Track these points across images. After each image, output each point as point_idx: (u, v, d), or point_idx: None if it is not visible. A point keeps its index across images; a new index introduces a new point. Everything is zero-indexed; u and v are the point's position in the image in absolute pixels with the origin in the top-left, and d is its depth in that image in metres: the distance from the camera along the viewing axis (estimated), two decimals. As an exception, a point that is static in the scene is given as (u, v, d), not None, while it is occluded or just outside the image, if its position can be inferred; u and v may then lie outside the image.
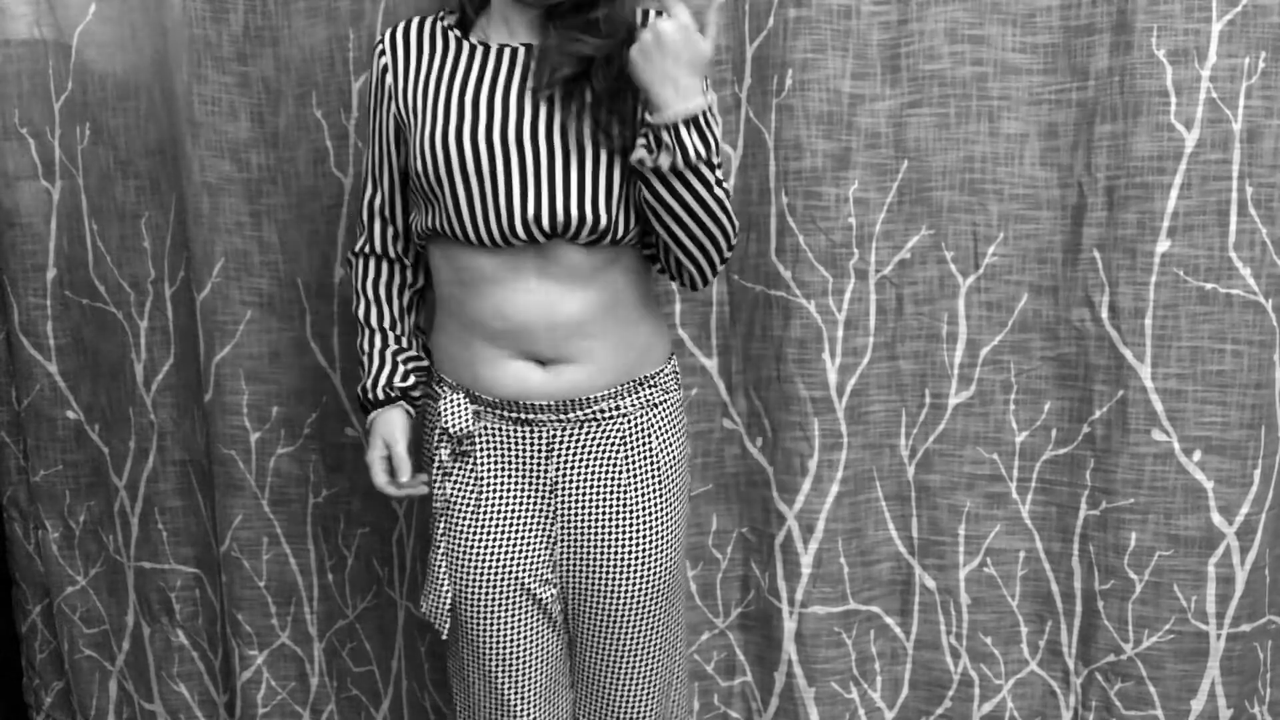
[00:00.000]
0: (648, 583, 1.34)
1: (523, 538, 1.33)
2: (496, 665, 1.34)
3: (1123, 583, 1.55)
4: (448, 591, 1.33)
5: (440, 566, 1.33)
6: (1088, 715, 1.62)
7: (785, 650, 1.66)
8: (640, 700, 1.39)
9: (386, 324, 1.40)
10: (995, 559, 1.64)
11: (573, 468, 1.32)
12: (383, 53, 1.32)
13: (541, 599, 1.33)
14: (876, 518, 1.66)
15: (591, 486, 1.32)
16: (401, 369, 1.37)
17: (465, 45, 1.29)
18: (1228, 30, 1.41)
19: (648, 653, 1.37)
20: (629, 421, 1.33)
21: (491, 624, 1.33)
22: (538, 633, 1.35)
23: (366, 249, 1.40)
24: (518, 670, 1.35)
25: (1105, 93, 1.47)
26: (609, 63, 1.22)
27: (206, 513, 1.88)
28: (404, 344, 1.40)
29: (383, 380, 1.36)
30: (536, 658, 1.36)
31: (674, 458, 1.37)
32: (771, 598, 1.66)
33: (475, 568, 1.32)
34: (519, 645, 1.34)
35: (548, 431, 1.31)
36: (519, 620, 1.34)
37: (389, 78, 1.31)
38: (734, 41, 1.55)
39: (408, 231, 1.38)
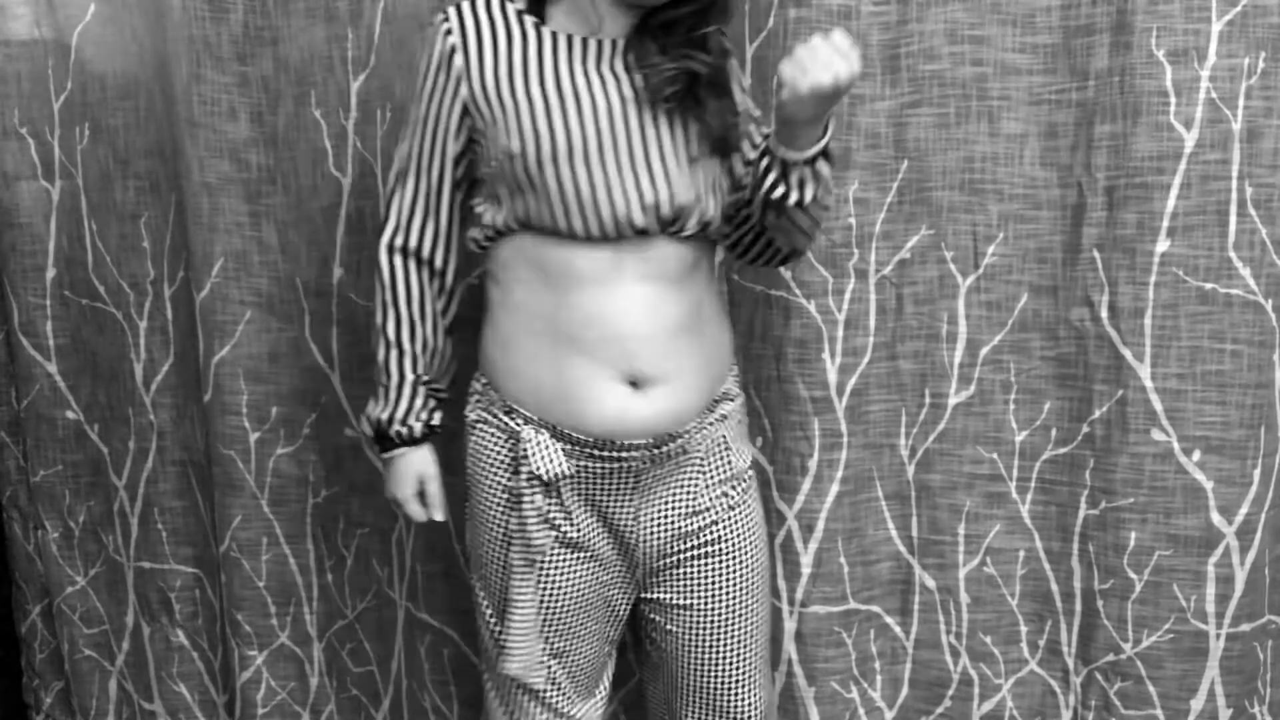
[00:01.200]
0: (746, 587, 1.33)
1: (608, 573, 1.30)
2: (555, 698, 1.33)
3: (1122, 582, 1.55)
4: (542, 649, 1.28)
5: (530, 620, 1.27)
6: (1087, 714, 1.62)
7: (785, 650, 1.66)
8: (751, 689, 1.36)
9: (418, 346, 1.31)
10: (995, 558, 1.64)
11: (659, 495, 1.29)
12: (450, 31, 1.23)
13: (612, 632, 1.34)
14: (876, 517, 1.66)
15: (677, 513, 1.29)
16: (432, 401, 1.31)
17: (546, 34, 1.23)
18: (1227, 30, 1.41)
19: (753, 641, 1.35)
20: (707, 439, 1.30)
21: (569, 667, 1.31)
22: (597, 661, 1.36)
23: (400, 243, 1.30)
24: (569, 697, 1.34)
25: (1105, 93, 1.47)
26: (717, 75, 1.22)
27: (206, 513, 1.88)
28: (432, 370, 1.33)
29: (414, 415, 1.30)
30: (589, 685, 1.37)
31: (748, 459, 1.36)
32: (772, 597, 1.66)
33: (564, 621, 1.28)
34: (581, 682, 1.34)
35: (635, 464, 1.25)
36: (589, 660, 1.34)
37: (458, 58, 1.23)
38: (734, 42, 1.55)
39: (450, 232, 1.30)
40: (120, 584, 1.95)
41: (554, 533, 1.26)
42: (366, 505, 1.79)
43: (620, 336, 1.20)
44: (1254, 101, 1.43)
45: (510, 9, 1.25)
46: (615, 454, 1.23)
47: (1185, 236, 1.47)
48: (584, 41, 1.23)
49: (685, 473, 1.29)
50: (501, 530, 1.28)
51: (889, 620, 1.68)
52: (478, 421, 1.30)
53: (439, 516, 1.31)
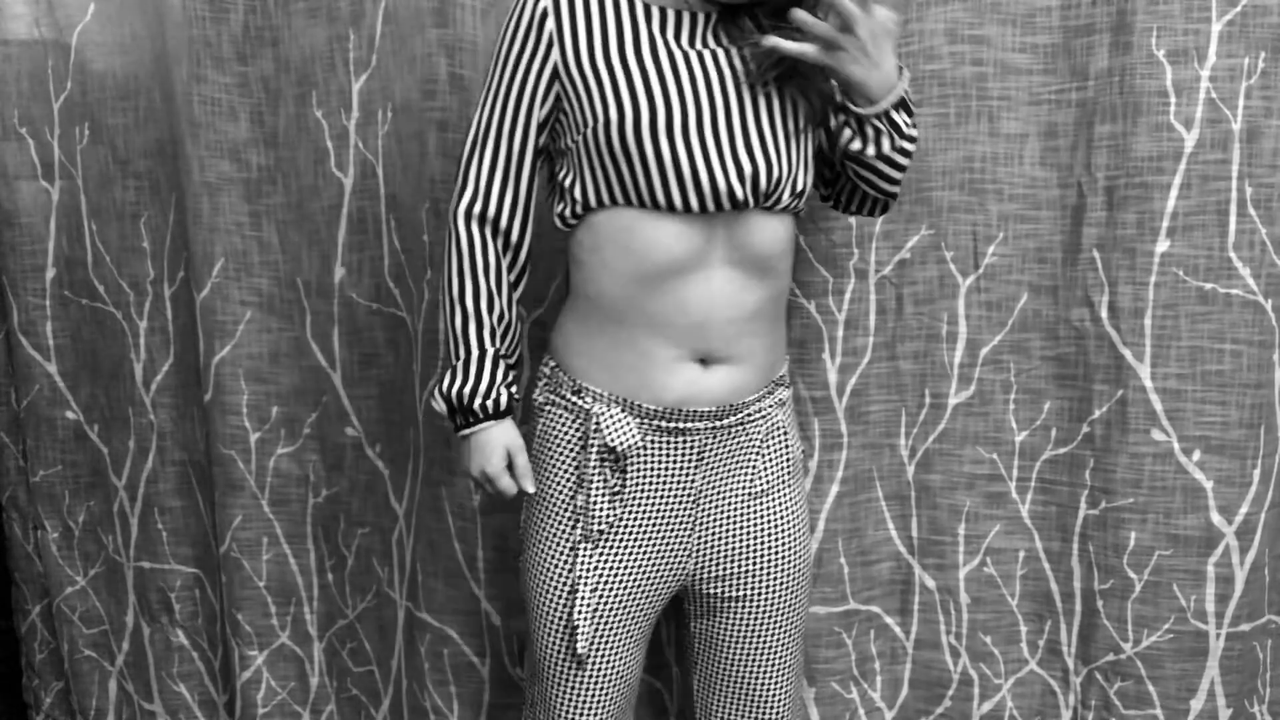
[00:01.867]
0: (795, 580, 1.35)
1: (663, 558, 1.30)
2: (600, 683, 1.32)
3: (1122, 582, 1.55)
4: (591, 623, 1.28)
5: (589, 593, 1.27)
6: (1087, 714, 1.62)
7: (785, 650, 1.66)
8: (784, 687, 1.38)
9: (495, 318, 1.28)
10: (995, 558, 1.64)
11: (719, 475, 1.31)
12: None
13: (656, 616, 1.34)
14: (876, 518, 1.66)
15: (735, 495, 1.31)
16: (510, 375, 1.30)
17: (639, 5, 1.23)
18: (1227, 30, 1.42)
19: (793, 640, 1.38)
20: (767, 421, 1.32)
21: (616, 652, 1.31)
22: (642, 647, 1.35)
23: (479, 211, 1.27)
24: (615, 681, 1.33)
25: (1105, 93, 1.47)
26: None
27: (206, 513, 1.87)
28: (509, 345, 1.30)
29: (496, 389, 1.26)
30: (633, 669, 1.35)
31: (799, 451, 1.39)
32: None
33: (615, 596, 1.28)
34: (627, 665, 1.33)
35: (699, 440, 1.28)
36: (636, 643, 1.33)
37: (550, 23, 1.22)
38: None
39: (528, 202, 1.28)
40: (120, 584, 1.95)
41: (618, 512, 1.27)
42: (366, 505, 1.79)
43: (701, 324, 1.23)
44: (1254, 101, 1.43)
45: None
46: (682, 423, 1.26)
47: (1185, 236, 1.47)
48: (677, 14, 1.24)
49: (745, 454, 1.31)
50: (569, 510, 1.28)
51: (889, 620, 1.68)
52: (545, 404, 1.31)
53: (530, 488, 1.29)
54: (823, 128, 1.32)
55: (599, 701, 1.32)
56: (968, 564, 1.64)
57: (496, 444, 1.27)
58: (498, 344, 1.28)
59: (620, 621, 1.30)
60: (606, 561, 1.28)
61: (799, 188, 1.25)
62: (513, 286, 1.31)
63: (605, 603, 1.28)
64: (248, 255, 1.73)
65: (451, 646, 1.70)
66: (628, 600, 1.30)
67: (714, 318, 1.23)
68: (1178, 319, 1.48)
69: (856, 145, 1.25)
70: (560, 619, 1.29)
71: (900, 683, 1.70)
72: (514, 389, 1.29)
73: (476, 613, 1.66)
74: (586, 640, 1.28)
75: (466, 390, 1.26)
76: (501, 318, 1.28)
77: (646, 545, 1.29)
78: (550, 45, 1.22)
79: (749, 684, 1.37)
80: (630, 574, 1.29)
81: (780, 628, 1.36)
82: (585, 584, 1.27)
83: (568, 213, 1.26)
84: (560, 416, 1.29)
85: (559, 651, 1.30)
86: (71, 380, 1.90)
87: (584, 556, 1.27)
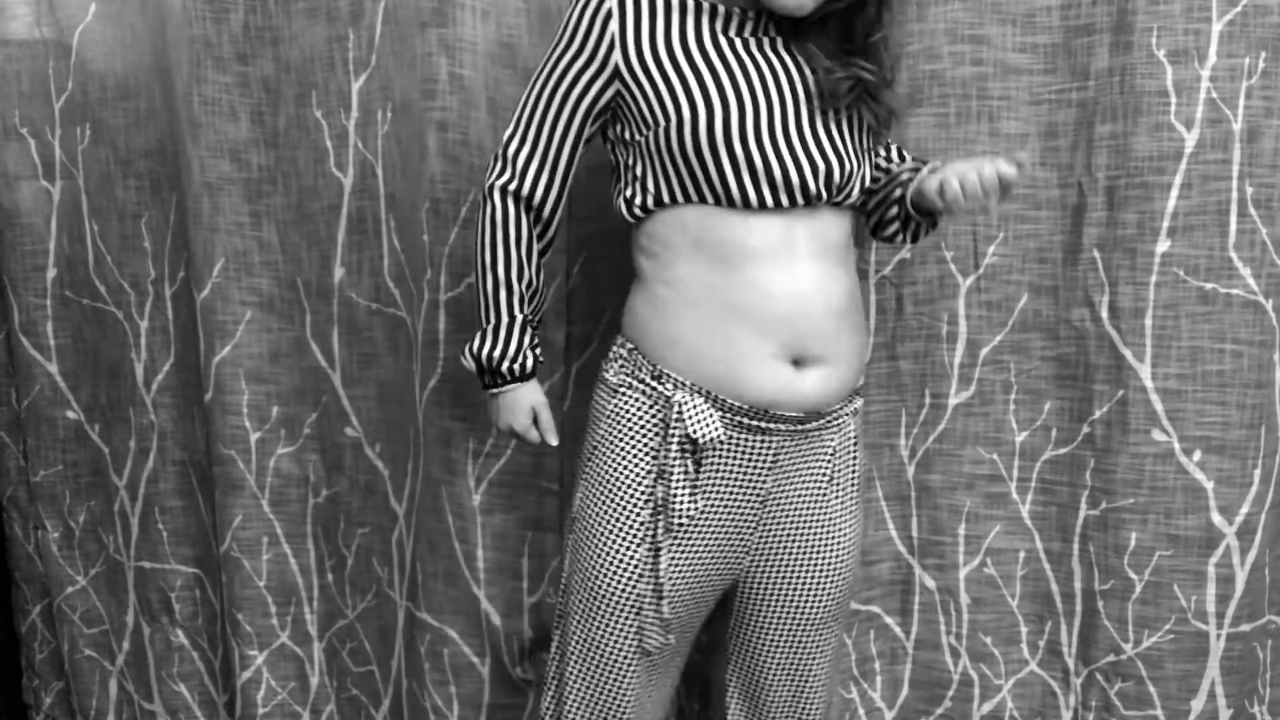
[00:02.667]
0: (844, 584, 1.36)
1: (725, 554, 1.31)
2: (664, 672, 1.33)
3: (1123, 583, 1.55)
4: (667, 614, 1.28)
5: (680, 582, 1.28)
6: (1087, 715, 1.62)
7: (785, 650, 1.66)
8: (822, 683, 1.40)
9: (524, 285, 1.31)
10: (995, 559, 1.64)
11: (789, 480, 1.30)
12: None
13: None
14: (876, 518, 1.66)
15: (803, 500, 1.31)
16: (535, 338, 1.34)
17: (705, 6, 1.24)
18: (1228, 30, 1.41)
19: (834, 636, 1.39)
20: (840, 431, 1.32)
21: (677, 645, 1.33)
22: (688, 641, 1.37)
23: (514, 189, 1.29)
24: (673, 672, 1.35)
25: (1105, 93, 1.47)
26: (881, 80, 1.26)
27: (206, 513, 1.88)
28: (535, 310, 1.34)
29: (523, 352, 1.31)
30: (685, 658, 1.38)
31: (862, 461, 1.39)
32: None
33: (683, 589, 1.29)
34: (683, 656, 1.35)
35: (778, 442, 1.27)
36: (693, 633, 1.35)
37: (614, 24, 1.22)
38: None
39: (564, 187, 1.31)
40: (120, 584, 1.95)
41: (693, 501, 1.26)
42: (366, 505, 1.79)
43: (792, 316, 1.22)
44: (1254, 101, 1.43)
45: None
46: (766, 424, 1.25)
47: (1185, 236, 1.46)
48: (742, 13, 1.24)
49: (818, 460, 1.31)
50: (648, 500, 1.26)
51: (889, 620, 1.68)
52: (621, 385, 1.29)
53: (553, 440, 1.35)
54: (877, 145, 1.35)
55: (660, 690, 1.34)
56: (968, 564, 1.64)
57: (523, 403, 1.34)
58: (525, 310, 1.32)
59: (685, 615, 1.31)
60: (679, 555, 1.28)
61: (867, 183, 1.29)
62: (541, 254, 1.34)
63: (674, 589, 1.28)
64: (248, 255, 1.73)
65: (451, 646, 1.69)
66: (690, 595, 1.30)
67: (810, 310, 1.22)
68: (1178, 319, 1.48)
69: (892, 229, 1.34)
70: (631, 610, 1.28)
71: (900, 683, 1.70)
72: (539, 350, 1.34)
73: (476, 613, 1.66)
74: (662, 636, 1.29)
75: (496, 353, 1.31)
76: (530, 285, 1.32)
77: (713, 541, 1.29)
78: (612, 46, 1.22)
79: (794, 683, 1.38)
80: (695, 569, 1.29)
81: (826, 633, 1.37)
82: (669, 579, 1.27)
83: (638, 203, 1.26)
84: (637, 401, 1.27)
85: (625, 642, 1.29)
86: (72, 380, 1.90)
87: (668, 550, 1.26)
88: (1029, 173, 1.26)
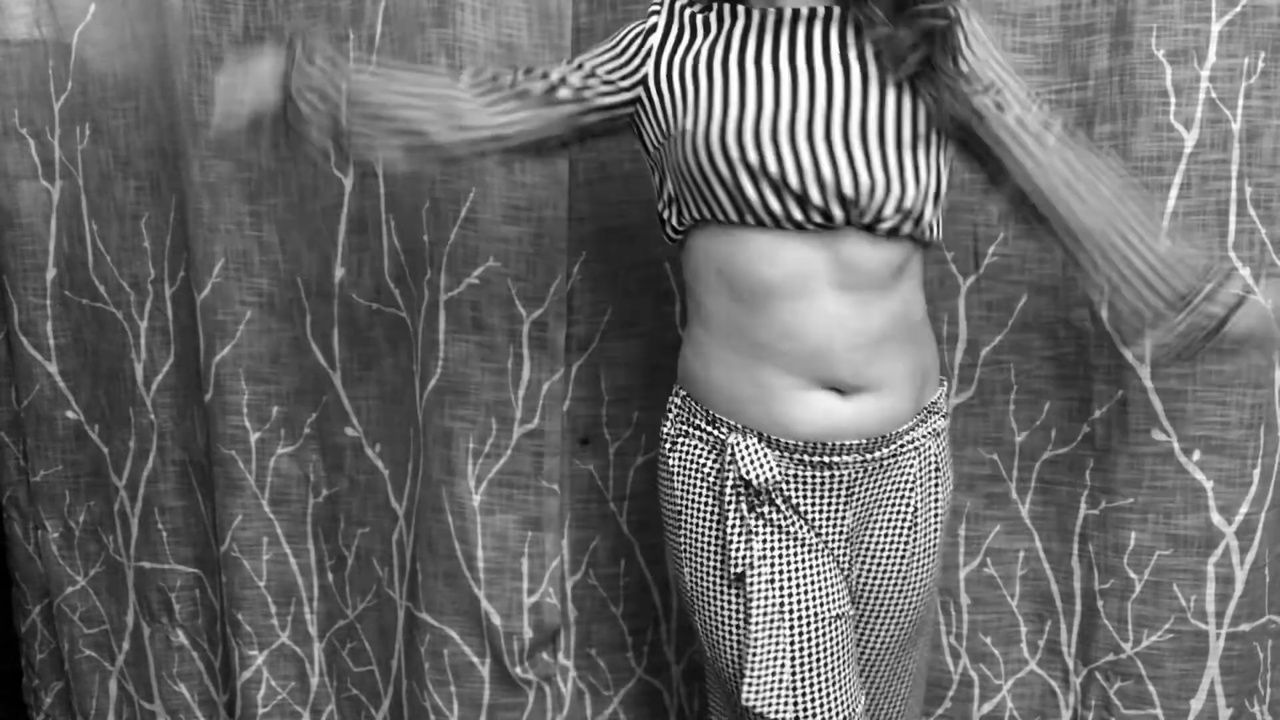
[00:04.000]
0: (927, 600, 1.31)
1: (833, 593, 1.19)
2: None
3: (1122, 582, 1.55)
4: (788, 669, 1.15)
5: (768, 642, 1.15)
6: (1087, 715, 1.62)
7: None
8: (912, 694, 1.37)
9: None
10: (995, 559, 1.64)
11: (870, 513, 1.23)
12: (656, 12, 1.21)
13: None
14: (876, 517, 1.66)
15: (885, 533, 1.24)
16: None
17: (755, 14, 1.17)
18: (1227, 30, 1.42)
19: (919, 648, 1.35)
20: (919, 455, 1.23)
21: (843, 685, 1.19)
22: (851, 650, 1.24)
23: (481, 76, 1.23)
24: (853, 695, 1.21)
25: (1105, 93, 1.47)
26: (950, 38, 1.11)
27: (206, 513, 1.88)
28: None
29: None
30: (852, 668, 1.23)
31: (952, 484, 1.32)
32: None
33: (809, 638, 1.16)
34: (850, 676, 1.21)
35: (848, 474, 1.18)
36: (848, 655, 1.21)
37: (654, 37, 1.19)
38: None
39: (556, 85, 1.21)
40: (120, 584, 1.95)
41: (775, 538, 1.17)
42: (366, 505, 1.79)
43: (816, 351, 1.14)
44: (1254, 101, 1.43)
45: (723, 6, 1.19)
46: (826, 458, 1.17)
47: (1185, 236, 1.46)
48: (794, 13, 1.15)
49: (898, 489, 1.23)
50: (719, 545, 1.19)
51: (889, 620, 1.68)
52: (679, 436, 1.23)
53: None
54: (952, 145, 1.19)
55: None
56: (968, 564, 1.64)
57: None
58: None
59: (815, 653, 1.17)
60: (780, 592, 1.17)
61: (907, 205, 1.12)
62: (492, 104, 1.22)
63: (799, 634, 1.17)
64: (248, 255, 1.73)
65: (451, 646, 1.70)
66: (819, 630, 1.18)
67: (835, 346, 1.13)
68: (1178, 319, 1.48)
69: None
70: (733, 672, 1.19)
71: (900, 683, 1.70)
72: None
73: (476, 613, 1.66)
74: (778, 707, 1.14)
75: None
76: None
77: (801, 589, 1.18)
78: (647, 56, 1.19)
79: (889, 699, 1.35)
80: (818, 594, 1.18)
81: (912, 647, 1.33)
82: (761, 643, 1.15)
83: (671, 221, 1.21)
84: (696, 447, 1.21)
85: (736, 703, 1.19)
86: (72, 380, 1.90)
87: (757, 611, 1.15)
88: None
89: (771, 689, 1.14)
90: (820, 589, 1.18)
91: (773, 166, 1.10)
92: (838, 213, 1.11)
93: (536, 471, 1.63)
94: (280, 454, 1.80)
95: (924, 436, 1.24)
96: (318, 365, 1.76)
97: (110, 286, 1.83)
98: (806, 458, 1.17)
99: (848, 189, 1.10)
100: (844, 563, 1.22)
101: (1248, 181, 1.45)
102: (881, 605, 1.28)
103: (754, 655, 1.15)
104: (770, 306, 1.13)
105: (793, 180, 1.10)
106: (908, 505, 1.24)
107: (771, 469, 1.15)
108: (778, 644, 1.15)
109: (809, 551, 1.18)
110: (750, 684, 1.14)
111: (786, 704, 1.14)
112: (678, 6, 1.21)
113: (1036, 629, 1.64)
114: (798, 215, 1.11)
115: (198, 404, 1.82)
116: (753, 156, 1.11)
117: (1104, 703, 1.60)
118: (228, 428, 1.77)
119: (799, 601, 1.17)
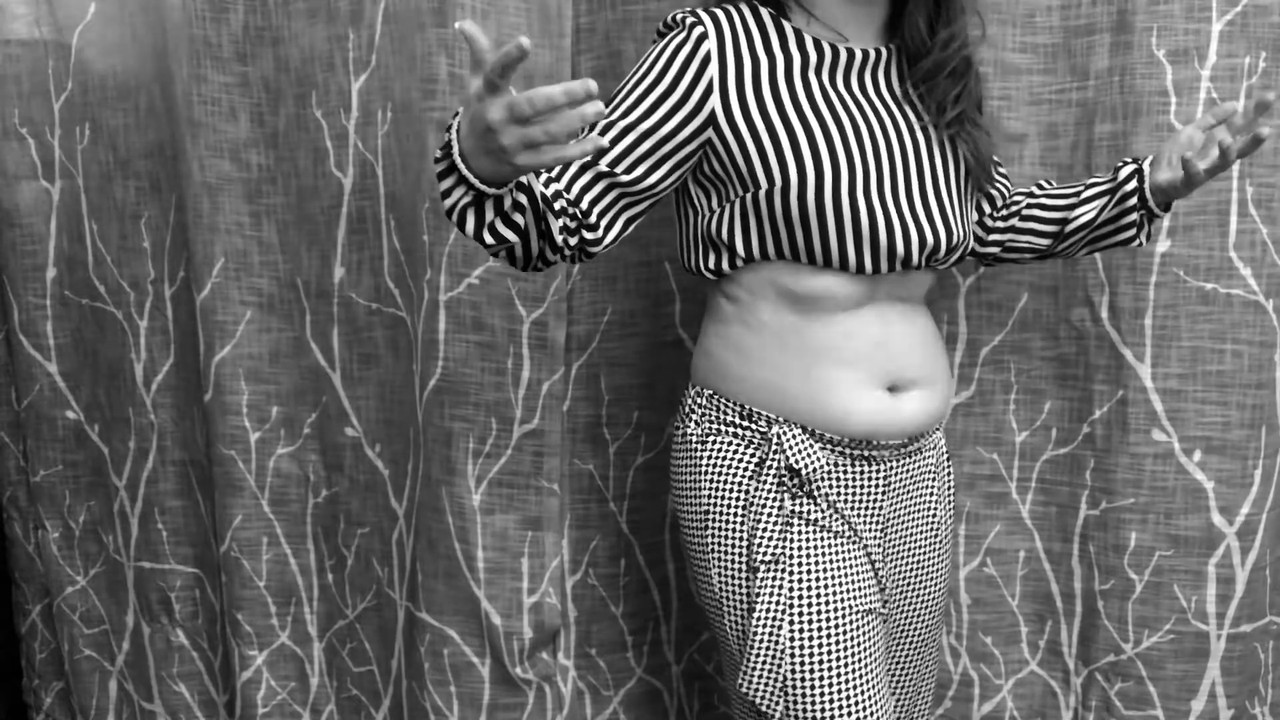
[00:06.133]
0: (943, 594, 1.36)
1: (865, 588, 1.19)
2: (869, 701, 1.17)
3: (1123, 583, 1.55)
4: (787, 666, 1.14)
5: (770, 633, 1.15)
6: (1088, 715, 1.62)
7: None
8: (930, 687, 1.40)
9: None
10: (995, 559, 1.64)
11: (903, 504, 1.27)
12: (704, 36, 1.11)
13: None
14: (876, 518, 1.66)
15: (914, 522, 1.29)
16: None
17: (809, 40, 1.15)
18: (1228, 30, 1.41)
19: (938, 642, 1.39)
20: (937, 449, 1.32)
21: (871, 678, 1.18)
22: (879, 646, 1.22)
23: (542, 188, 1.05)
24: (879, 691, 1.19)
25: (1105, 93, 1.47)
26: (968, 83, 1.21)
27: (206, 513, 1.88)
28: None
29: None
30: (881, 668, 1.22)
31: (954, 474, 1.38)
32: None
33: (843, 631, 1.15)
34: (878, 673, 1.20)
35: (886, 467, 1.23)
36: (877, 651, 1.20)
37: (713, 68, 1.11)
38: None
39: (621, 198, 1.13)
40: (120, 584, 1.95)
41: (812, 529, 1.17)
42: (366, 505, 1.79)
43: (879, 348, 1.19)
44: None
45: (764, 14, 1.16)
46: (870, 452, 1.21)
47: (1185, 236, 1.46)
48: (849, 52, 1.17)
49: (925, 480, 1.30)
50: (750, 539, 1.18)
51: (889, 620, 1.68)
52: (708, 434, 1.22)
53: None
54: (981, 193, 1.31)
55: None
56: (968, 564, 1.64)
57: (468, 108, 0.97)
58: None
59: (863, 662, 1.17)
60: (812, 606, 1.16)
61: (968, 246, 1.26)
62: (561, 226, 1.08)
63: (831, 652, 1.16)
64: (248, 255, 1.73)
65: (451, 646, 1.69)
66: (863, 643, 1.18)
67: (893, 343, 1.20)
68: (1178, 319, 1.48)
69: (1130, 234, 1.29)
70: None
71: (900, 683, 1.70)
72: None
73: (476, 613, 1.66)
74: (767, 696, 1.15)
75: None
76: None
77: (841, 580, 1.18)
78: (709, 90, 1.11)
79: (914, 692, 1.37)
80: (852, 613, 1.17)
81: (935, 640, 1.37)
82: (766, 631, 1.15)
83: (725, 267, 1.19)
84: (731, 444, 1.21)
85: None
86: (72, 380, 1.90)
87: (768, 598, 1.15)
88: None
89: (768, 681, 1.16)
90: (855, 583, 1.19)
91: (881, 228, 1.14)
92: (922, 264, 1.20)
93: (536, 471, 1.63)
94: (280, 454, 1.80)
95: (941, 434, 1.33)
96: (317, 365, 1.76)
97: (110, 286, 1.83)
98: (851, 452, 1.20)
99: (942, 249, 1.19)
100: (876, 558, 1.23)
101: (1249, 181, 1.45)
102: (917, 595, 1.32)
103: (753, 641, 1.16)
104: (835, 316, 1.18)
105: (899, 245, 1.16)
106: (927, 499, 1.31)
107: (818, 457, 1.17)
108: (790, 637, 1.15)
109: (845, 546, 1.20)
110: (749, 672, 1.17)
111: (778, 701, 1.16)
112: (722, 21, 1.13)
113: (1037, 629, 1.64)
114: (885, 268, 1.17)
115: (197, 404, 1.82)
116: (864, 219, 1.13)
117: (1104, 703, 1.59)
118: (227, 428, 1.77)
119: (835, 594, 1.17)
